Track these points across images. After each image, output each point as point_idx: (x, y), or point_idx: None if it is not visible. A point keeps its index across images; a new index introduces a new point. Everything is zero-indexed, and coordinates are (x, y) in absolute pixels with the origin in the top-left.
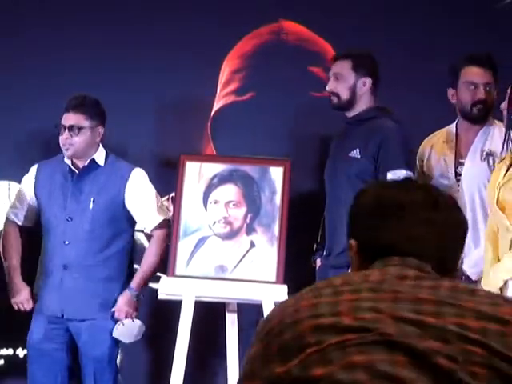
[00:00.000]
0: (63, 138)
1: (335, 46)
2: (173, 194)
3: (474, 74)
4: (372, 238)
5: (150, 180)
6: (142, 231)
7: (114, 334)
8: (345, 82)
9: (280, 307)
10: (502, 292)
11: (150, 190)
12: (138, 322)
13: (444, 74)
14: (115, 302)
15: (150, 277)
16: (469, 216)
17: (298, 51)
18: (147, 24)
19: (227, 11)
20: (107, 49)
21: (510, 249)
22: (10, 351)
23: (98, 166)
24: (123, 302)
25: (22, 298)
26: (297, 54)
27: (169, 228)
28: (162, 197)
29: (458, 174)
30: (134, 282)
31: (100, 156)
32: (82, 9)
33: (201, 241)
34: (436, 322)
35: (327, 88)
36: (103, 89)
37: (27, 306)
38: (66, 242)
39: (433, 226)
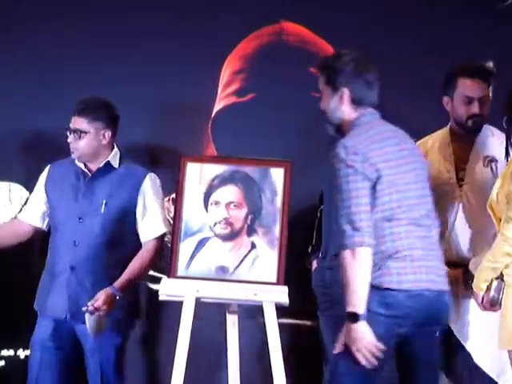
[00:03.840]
0: (69, 141)
1: (336, 47)
2: (173, 195)
3: (469, 88)
4: None
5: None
6: None
7: (87, 324)
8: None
9: None
10: (489, 290)
11: (160, 198)
12: (103, 321)
13: (444, 74)
14: (120, 307)
15: (134, 283)
16: (477, 222)
17: (299, 52)
18: (148, 24)
19: (228, 12)
20: (107, 49)
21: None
22: (11, 352)
23: (112, 168)
24: (103, 298)
25: None
26: (298, 55)
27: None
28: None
29: (459, 179)
30: (119, 283)
31: (114, 158)
32: (82, 7)
33: (202, 242)
34: None
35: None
36: (103, 89)
37: None
38: (76, 243)
39: None
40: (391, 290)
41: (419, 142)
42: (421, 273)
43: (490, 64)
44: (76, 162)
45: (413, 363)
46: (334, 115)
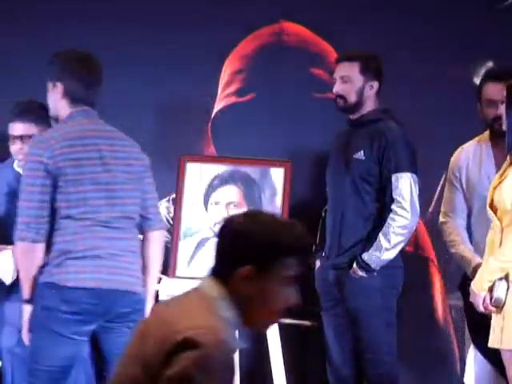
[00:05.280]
0: (16, 148)
1: (336, 47)
2: (173, 195)
3: (491, 91)
4: None
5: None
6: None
7: None
8: (353, 85)
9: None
10: (491, 292)
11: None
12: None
13: (444, 74)
14: None
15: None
16: None
17: (299, 52)
18: (148, 24)
19: (228, 12)
20: (107, 48)
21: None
22: None
23: None
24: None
25: None
26: (298, 55)
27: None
28: (162, 198)
29: None
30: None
31: None
32: (81, 7)
33: (201, 242)
34: None
35: (334, 90)
36: (103, 88)
37: None
38: None
39: None
40: (69, 287)
41: (460, 150)
42: (102, 272)
43: (490, 64)
44: (15, 166)
45: (107, 357)
46: (53, 110)
